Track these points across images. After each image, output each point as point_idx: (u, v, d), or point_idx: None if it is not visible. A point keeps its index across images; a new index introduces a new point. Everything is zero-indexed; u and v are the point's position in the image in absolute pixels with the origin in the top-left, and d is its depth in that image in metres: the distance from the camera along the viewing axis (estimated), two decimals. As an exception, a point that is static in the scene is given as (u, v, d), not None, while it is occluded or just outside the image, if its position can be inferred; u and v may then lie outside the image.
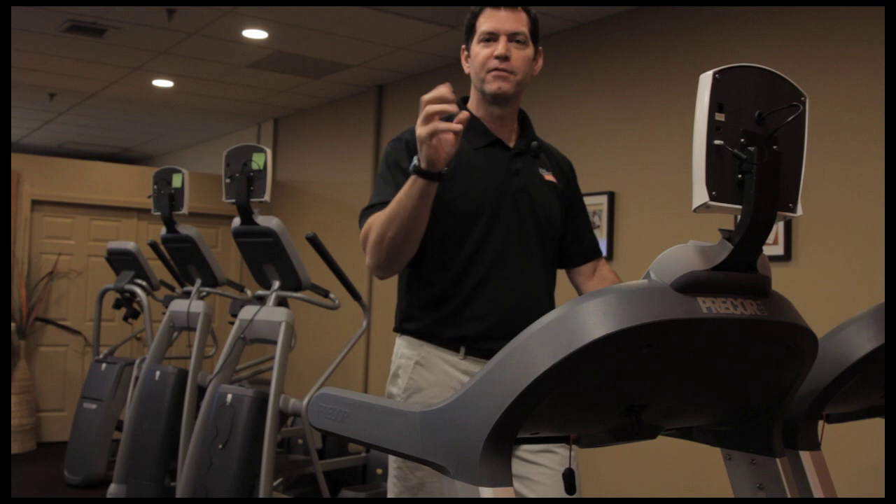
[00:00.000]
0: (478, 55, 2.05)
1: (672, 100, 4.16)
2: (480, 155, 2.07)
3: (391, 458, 2.05)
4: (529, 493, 2.00)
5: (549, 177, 2.17)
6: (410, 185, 1.84)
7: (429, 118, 1.75)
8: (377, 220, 1.95)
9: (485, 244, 2.04)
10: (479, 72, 2.06)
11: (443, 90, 1.75)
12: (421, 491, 2.01)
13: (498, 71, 2.02)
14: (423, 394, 2.03)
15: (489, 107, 2.10)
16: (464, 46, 2.13)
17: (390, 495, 2.08)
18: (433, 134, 1.75)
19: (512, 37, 2.03)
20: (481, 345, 2.01)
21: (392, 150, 2.09)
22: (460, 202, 2.02)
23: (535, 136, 2.20)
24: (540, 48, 2.12)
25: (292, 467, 4.40)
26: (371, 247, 1.96)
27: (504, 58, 2.02)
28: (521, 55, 2.04)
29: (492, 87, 2.04)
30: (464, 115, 1.78)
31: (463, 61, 2.14)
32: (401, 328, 2.14)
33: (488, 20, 2.04)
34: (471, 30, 2.09)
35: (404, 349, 2.10)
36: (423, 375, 2.04)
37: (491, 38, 2.03)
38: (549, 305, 2.13)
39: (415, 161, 1.82)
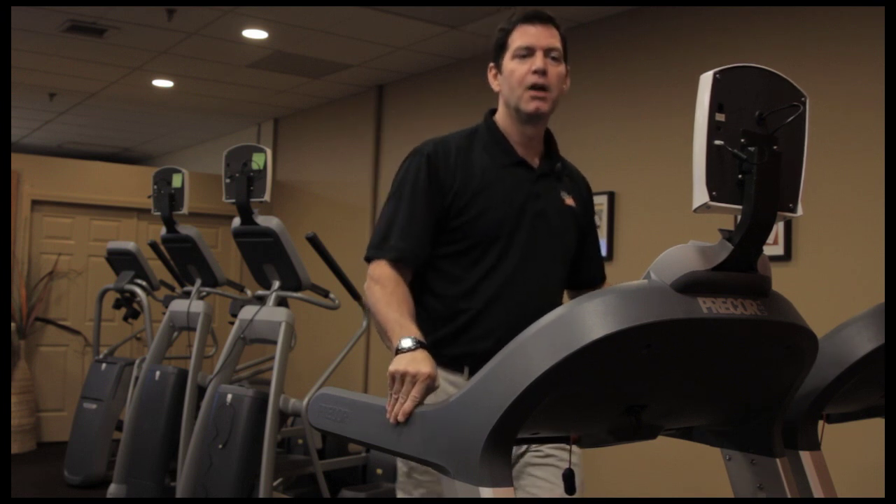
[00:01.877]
0: (514, 72, 2.00)
1: (672, 100, 4.16)
2: (504, 174, 2.04)
3: (399, 464, 2.05)
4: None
5: (569, 201, 2.14)
6: (393, 348, 1.76)
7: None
8: (373, 297, 1.90)
9: (499, 265, 2.01)
10: (515, 89, 2.00)
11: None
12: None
13: (536, 89, 1.98)
14: None
15: (521, 126, 2.06)
16: (492, 64, 2.08)
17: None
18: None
19: (547, 52, 2.00)
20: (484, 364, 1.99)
21: (412, 165, 2.02)
22: (479, 222, 2.00)
23: (559, 156, 2.17)
24: (568, 67, 2.09)
25: (292, 467, 4.40)
26: (368, 306, 1.96)
27: (542, 72, 1.98)
28: (555, 71, 2.01)
29: (530, 107, 2.00)
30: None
31: (491, 79, 2.09)
32: None
33: (523, 36, 2.00)
34: (502, 47, 2.04)
35: None
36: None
37: (527, 53, 1.99)
38: None
39: (406, 344, 1.72)
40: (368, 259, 1.99)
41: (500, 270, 2.01)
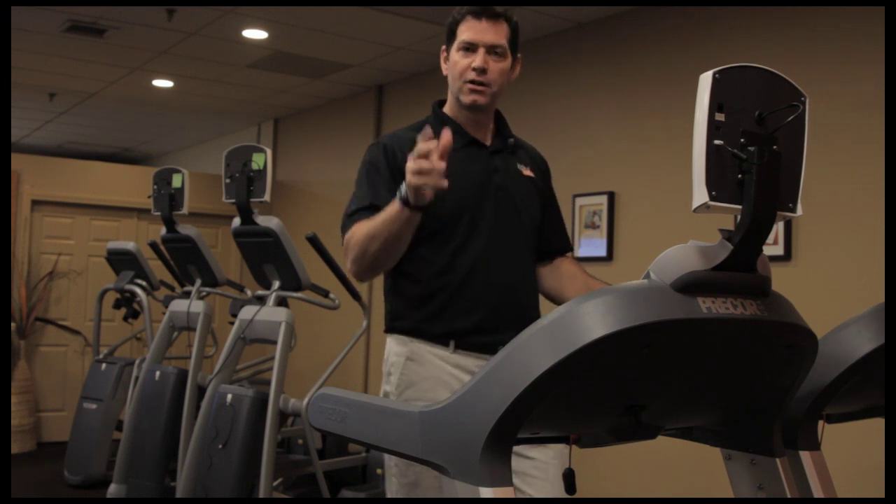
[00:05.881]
0: (456, 63, 2.08)
1: (672, 100, 4.16)
2: (460, 155, 2.09)
3: (388, 454, 2.07)
4: (524, 487, 2.02)
5: (527, 172, 2.21)
6: (397, 213, 1.88)
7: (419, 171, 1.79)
8: (360, 231, 1.98)
9: (469, 241, 2.07)
10: (456, 80, 2.09)
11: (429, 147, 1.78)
12: (418, 487, 2.04)
13: (474, 84, 2.06)
14: (415, 388, 2.06)
15: (465, 112, 2.14)
16: (444, 48, 2.15)
17: (389, 494, 2.09)
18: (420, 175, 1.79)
19: (491, 49, 2.06)
20: (471, 339, 2.05)
21: (369, 156, 2.13)
22: (443, 202, 2.04)
23: (511, 133, 2.24)
24: (518, 56, 2.16)
25: (292, 467, 4.40)
26: (353, 257, 2.02)
27: (482, 70, 2.05)
28: (497, 67, 2.08)
29: (467, 98, 2.09)
30: (445, 139, 1.80)
31: (442, 62, 2.17)
32: (390, 328, 2.18)
33: (469, 30, 2.07)
34: (451, 34, 2.11)
35: (395, 347, 2.14)
36: (415, 370, 2.07)
37: (470, 48, 2.06)
38: (534, 296, 2.18)
39: (403, 192, 1.85)
40: (343, 234, 2.07)
41: (470, 246, 2.07)
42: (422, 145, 1.76)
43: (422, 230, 2.03)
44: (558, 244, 2.30)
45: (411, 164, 1.78)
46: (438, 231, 2.06)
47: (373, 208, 2.01)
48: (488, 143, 2.17)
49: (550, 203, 2.30)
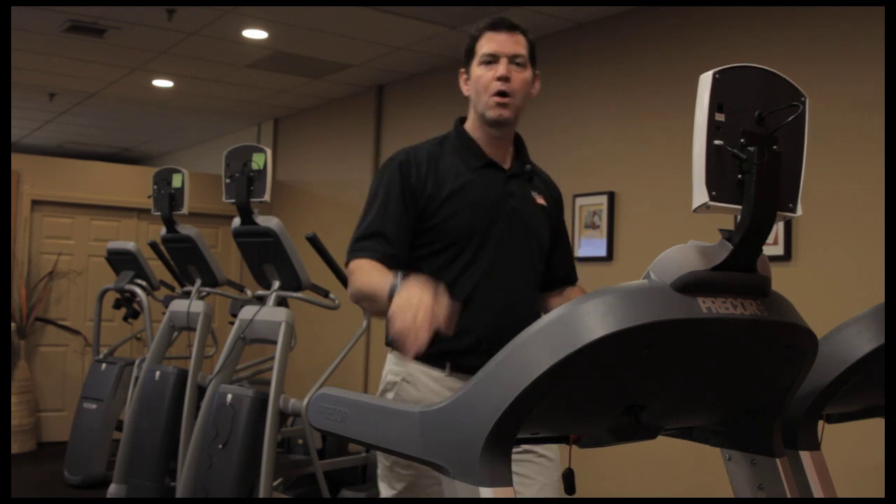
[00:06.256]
0: (480, 77, 2.08)
1: (672, 100, 4.16)
2: (476, 175, 2.10)
3: (380, 457, 2.07)
4: None
5: (540, 200, 2.21)
6: (385, 301, 1.75)
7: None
8: (358, 278, 1.97)
9: (475, 262, 2.06)
10: (481, 94, 2.09)
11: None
12: (411, 493, 2.04)
13: (499, 96, 2.06)
14: None
15: (488, 129, 2.13)
16: (463, 70, 2.16)
17: (381, 496, 2.10)
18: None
19: (512, 59, 2.07)
20: (467, 360, 2.03)
21: (385, 174, 2.10)
22: (454, 221, 2.05)
23: (529, 159, 2.24)
24: (537, 72, 2.16)
25: (292, 467, 4.39)
26: (351, 291, 2.02)
27: (506, 78, 2.05)
28: (520, 77, 2.08)
29: (493, 113, 2.08)
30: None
31: (462, 84, 2.17)
32: (390, 343, 2.16)
33: (489, 42, 2.08)
34: (470, 52, 2.12)
35: (392, 365, 2.14)
36: (409, 392, 2.07)
37: (492, 59, 2.07)
38: (535, 321, 2.14)
39: (395, 285, 1.74)
40: (347, 263, 2.05)
41: (476, 268, 2.06)
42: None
43: (430, 247, 2.04)
44: (566, 273, 2.30)
45: (402, 318, 1.61)
46: (446, 250, 2.06)
47: (378, 236, 2.01)
48: (506, 165, 2.17)
49: (561, 232, 2.29)
